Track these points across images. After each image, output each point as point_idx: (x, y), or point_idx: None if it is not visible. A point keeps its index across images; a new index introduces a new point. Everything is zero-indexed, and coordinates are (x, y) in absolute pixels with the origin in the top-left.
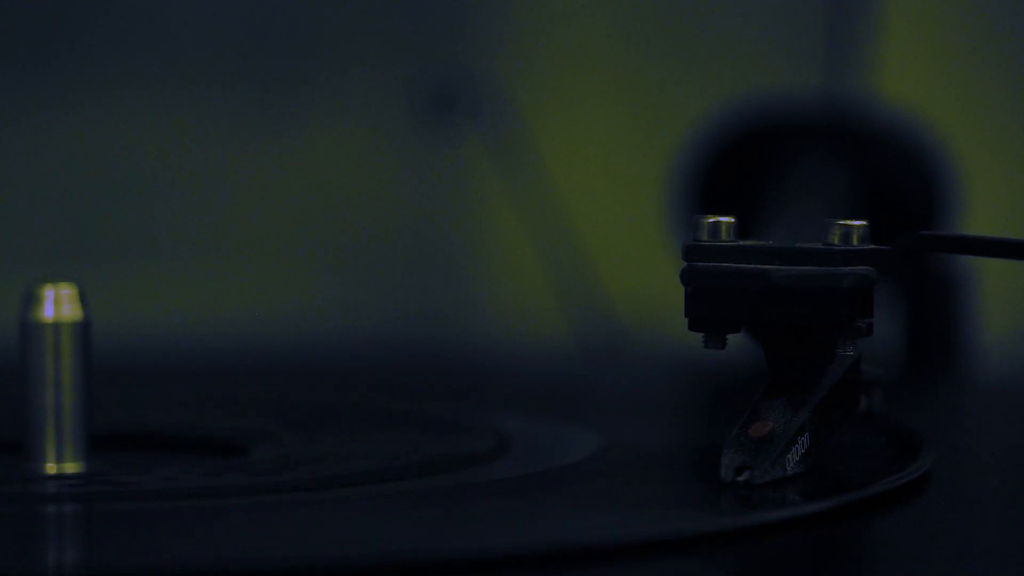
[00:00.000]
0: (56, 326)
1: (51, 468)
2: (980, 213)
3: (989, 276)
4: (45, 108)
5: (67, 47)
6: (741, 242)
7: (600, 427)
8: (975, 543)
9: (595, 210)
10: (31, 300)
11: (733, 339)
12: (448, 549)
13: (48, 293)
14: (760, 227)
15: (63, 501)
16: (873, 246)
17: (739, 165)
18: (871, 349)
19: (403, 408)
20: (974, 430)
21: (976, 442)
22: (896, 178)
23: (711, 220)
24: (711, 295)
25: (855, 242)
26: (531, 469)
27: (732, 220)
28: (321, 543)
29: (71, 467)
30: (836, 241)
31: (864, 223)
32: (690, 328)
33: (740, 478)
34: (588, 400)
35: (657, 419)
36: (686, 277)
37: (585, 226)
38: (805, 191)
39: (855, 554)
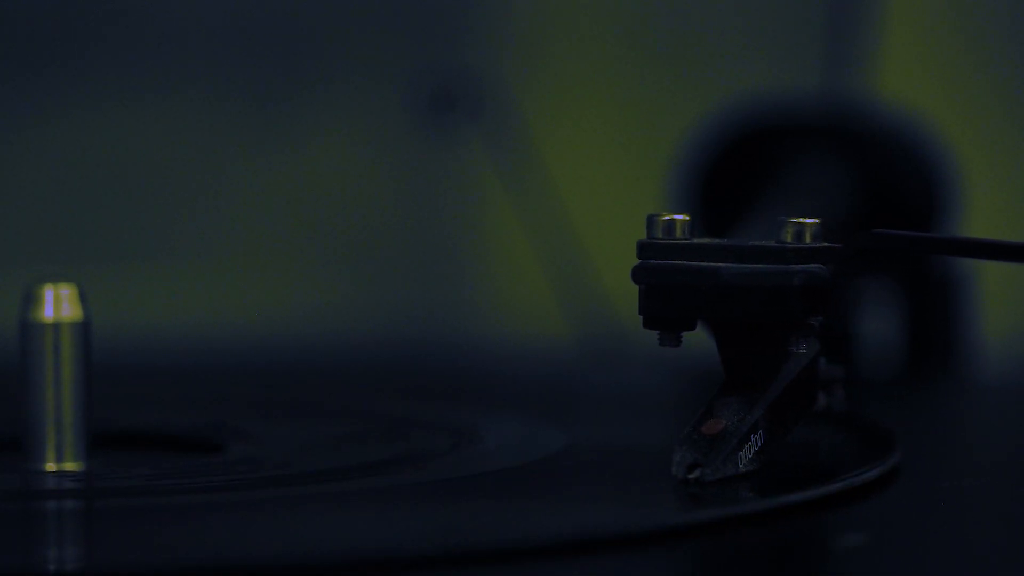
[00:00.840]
0: (56, 326)
1: (51, 468)
2: (980, 213)
3: (989, 276)
4: (46, 109)
5: (68, 48)
6: (696, 240)
7: (600, 426)
8: (974, 543)
9: (595, 210)
10: (31, 300)
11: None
12: (443, 545)
13: (48, 293)
14: (760, 227)
15: (63, 500)
16: (826, 244)
17: (739, 165)
18: (871, 348)
19: (403, 408)
20: (974, 429)
21: (976, 442)
22: (896, 178)
23: (666, 218)
24: (663, 293)
25: (807, 240)
26: (530, 469)
27: (687, 218)
28: (321, 540)
29: (71, 467)
30: (788, 239)
31: (817, 221)
32: (644, 326)
33: (691, 475)
34: (587, 399)
35: (656, 418)
36: (638, 275)
37: (585, 226)
38: (805, 191)
39: (807, 553)
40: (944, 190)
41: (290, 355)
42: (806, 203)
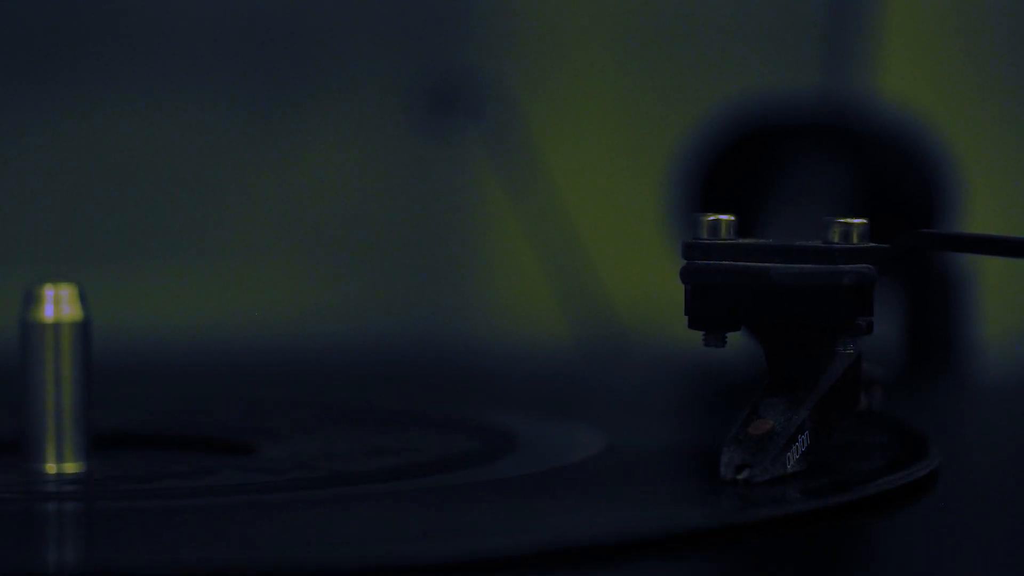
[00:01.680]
0: (56, 326)
1: (51, 468)
2: (980, 213)
3: (989, 275)
4: (46, 109)
5: (69, 50)
6: (741, 240)
7: (600, 426)
8: (976, 542)
9: (595, 210)
10: (31, 300)
11: (733, 337)
12: (449, 549)
13: (48, 293)
14: (759, 227)
15: (63, 500)
16: (872, 244)
17: (739, 165)
18: (871, 348)
19: (403, 408)
20: (974, 429)
21: (976, 441)
22: (896, 178)
23: (711, 218)
24: (711, 293)
25: (855, 240)
26: (531, 468)
27: (732, 218)
28: (321, 543)
29: (71, 467)
30: (836, 239)
31: (864, 221)
32: (690, 326)
33: (740, 476)
34: (588, 400)
35: (658, 418)
36: (686, 275)
37: (585, 226)
38: (805, 191)
39: (854, 553)
40: (944, 190)
41: (290, 356)
42: (806, 203)
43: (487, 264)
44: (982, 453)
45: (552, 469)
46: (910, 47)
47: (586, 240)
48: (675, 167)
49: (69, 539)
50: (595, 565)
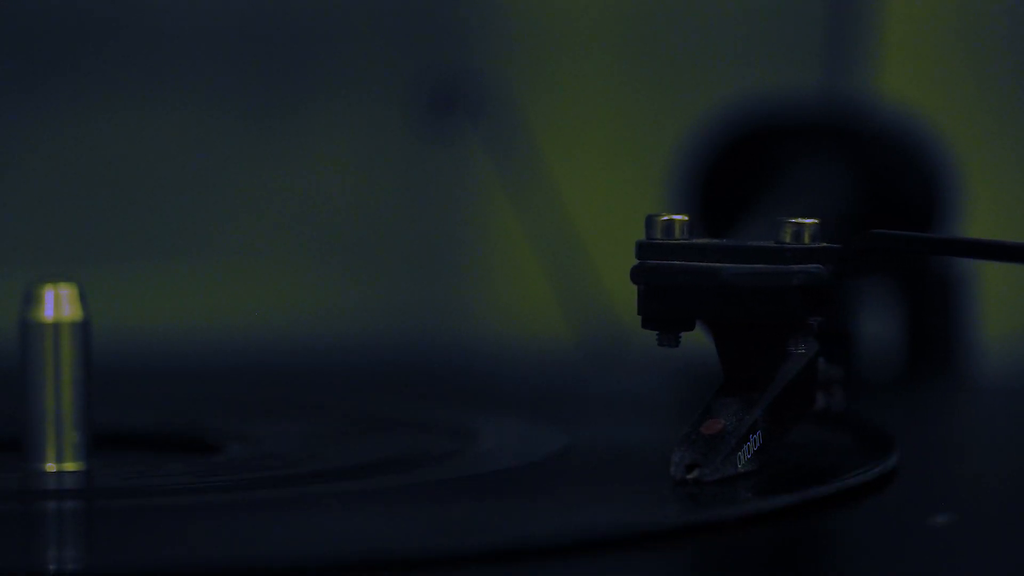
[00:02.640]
0: (56, 326)
1: (51, 468)
2: (980, 213)
3: (989, 275)
4: (47, 110)
5: (69, 51)
6: (695, 240)
7: (599, 427)
8: (974, 542)
9: (595, 211)
10: (31, 300)
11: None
12: (445, 546)
13: (48, 293)
14: (759, 227)
15: (63, 500)
16: (824, 244)
17: (739, 165)
18: (871, 347)
19: (403, 408)
20: (974, 429)
21: (975, 440)
22: (896, 178)
23: (665, 218)
24: (663, 293)
25: (806, 240)
26: (529, 467)
27: (686, 218)
28: (319, 541)
29: (71, 467)
30: (787, 239)
31: (815, 221)
32: (643, 326)
33: (690, 476)
34: (588, 400)
35: (656, 418)
36: (637, 275)
37: (585, 227)
38: (805, 191)
39: (806, 553)
40: (944, 190)
41: (290, 356)
42: (806, 204)
43: (487, 264)
44: (982, 453)
45: (550, 469)
46: (910, 47)
47: (586, 241)
48: (675, 167)
49: (69, 539)
50: (543, 565)
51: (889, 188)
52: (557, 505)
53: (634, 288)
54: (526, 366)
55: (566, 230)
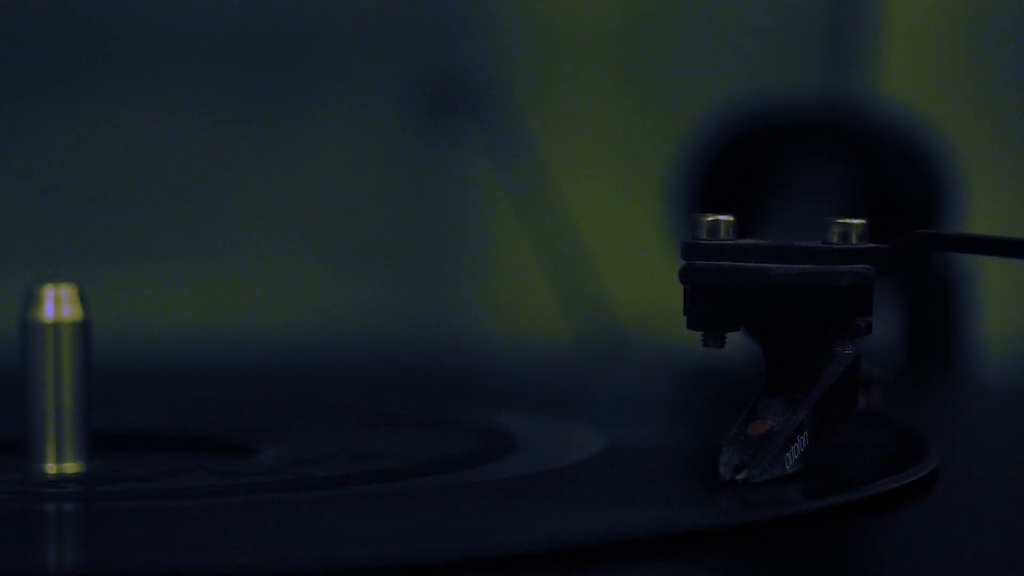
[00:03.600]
0: (56, 326)
1: (51, 468)
2: (980, 213)
3: (989, 275)
4: (46, 108)
5: (68, 48)
6: (740, 240)
7: (600, 427)
8: (976, 542)
9: (595, 211)
10: (31, 300)
11: (732, 338)
12: (448, 549)
13: (48, 293)
14: (759, 227)
15: (63, 501)
16: (871, 244)
17: (739, 165)
18: (871, 347)
19: (403, 408)
20: (974, 429)
21: (976, 441)
22: (896, 178)
23: (710, 219)
24: (710, 293)
25: (854, 240)
26: (531, 469)
27: (731, 219)
28: (321, 543)
29: (71, 467)
30: (835, 240)
31: (863, 221)
32: (689, 327)
33: (739, 476)
34: (588, 400)
35: (657, 419)
36: (685, 275)
37: (585, 227)
38: (805, 191)
39: (853, 553)
40: (944, 190)
41: (290, 357)
42: (806, 203)
43: (487, 265)
44: (982, 453)
45: (551, 469)
46: (910, 47)
47: (586, 241)
48: (675, 168)
49: (69, 539)
50: (593, 565)
51: (889, 188)
52: (552, 507)
53: (632, 289)
54: (526, 366)
55: (567, 230)
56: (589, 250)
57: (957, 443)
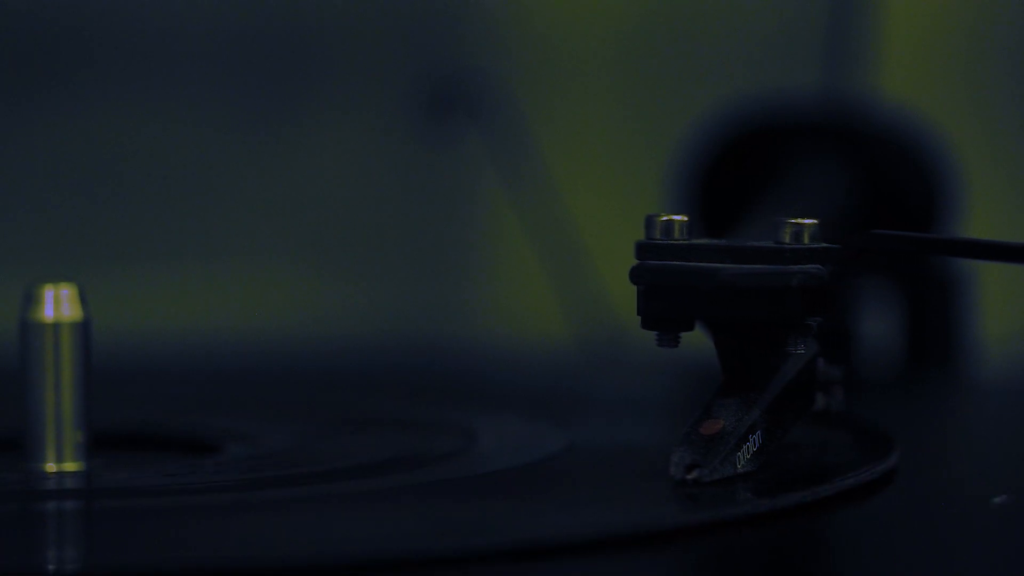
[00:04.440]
0: (56, 326)
1: (51, 468)
2: (980, 213)
3: (989, 275)
4: (46, 108)
5: (68, 48)
6: (693, 240)
7: (599, 427)
8: (975, 542)
9: (595, 210)
10: (31, 300)
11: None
12: (443, 547)
13: (48, 293)
14: (759, 227)
15: (63, 500)
16: (823, 245)
17: (738, 165)
18: (871, 347)
19: (403, 408)
20: (973, 428)
21: (975, 440)
22: (896, 178)
23: (664, 218)
24: (662, 293)
25: (805, 240)
26: (530, 467)
27: (685, 219)
28: (321, 541)
29: (71, 467)
30: (787, 239)
31: (815, 222)
32: (643, 326)
33: (689, 476)
34: (587, 400)
35: (656, 419)
36: (636, 275)
37: (585, 226)
38: (805, 191)
39: (805, 553)
40: (944, 190)
41: (290, 357)
42: (806, 203)
43: (487, 265)
44: (982, 453)
45: (542, 468)
46: (910, 47)
47: (586, 240)
48: (675, 167)
49: (69, 539)
50: (572, 562)
51: (888, 188)
52: (555, 505)
53: (634, 289)
54: (526, 366)
55: (566, 231)
56: (589, 250)
57: (957, 443)
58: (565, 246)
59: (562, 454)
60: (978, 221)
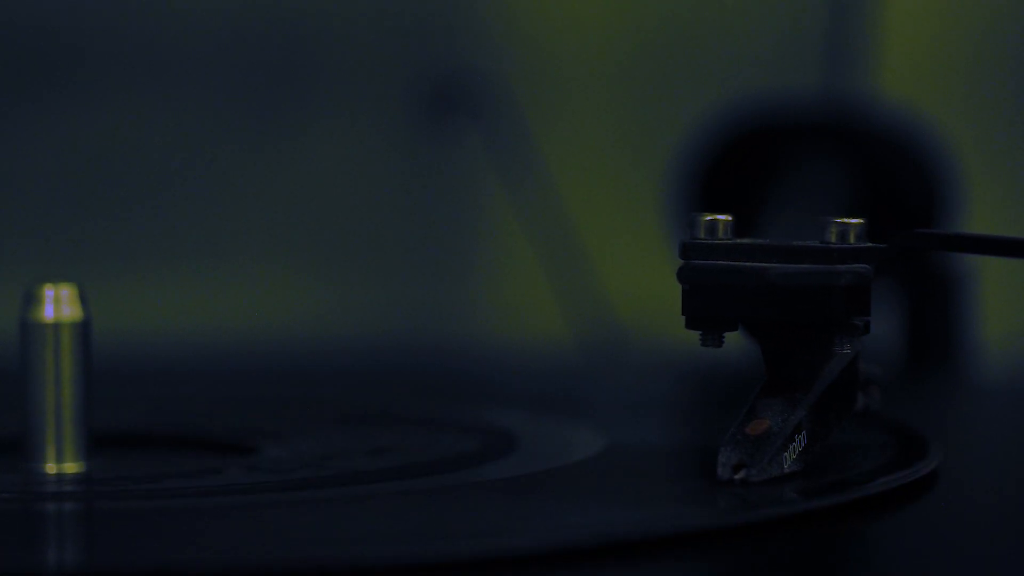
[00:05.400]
0: (56, 326)
1: (51, 468)
2: (980, 212)
3: (989, 274)
4: (46, 109)
5: (68, 48)
6: (738, 240)
7: (600, 426)
8: (976, 542)
9: (595, 210)
10: (31, 300)
11: (731, 338)
12: (449, 549)
13: (48, 293)
14: (759, 227)
15: (63, 500)
16: (870, 244)
17: (738, 165)
18: (871, 347)
19: (403, 408)
20: (973, 428)
21: (975, 440)
22: (896, 178)
23: (708, 218)
24: (708, 293)
25: (852, 240)
26: (530, 468)
27: (729, 218)
28: (321, 542)
29: (71, 467)
30: (833, 239)
31: (861, 221)
32: (687, 326)
33: (737, 476)
34: (588, 400)
35: (656, 418)
36: (683, 275)
37: (585, 226)
38: (805, 191)
39: (852, 553)
40: (944, 189)
41: (290, 357)
42: (806, 203)
43: (487, 264)
44: (982, 453)
45: (551, 469)
46: (910, 47)
47: (586, 240)
48: (675, 167)
49: (69, 539)
50: (592, 565)
51: (889, 187)
52: (553, 506)
53: (632, 287)
54: (526, 366)
55: (565, 229)
56: (589, 249)
57: (957, 443)
58: (565, 246)
59: (562, 453)
60: (978, 221)
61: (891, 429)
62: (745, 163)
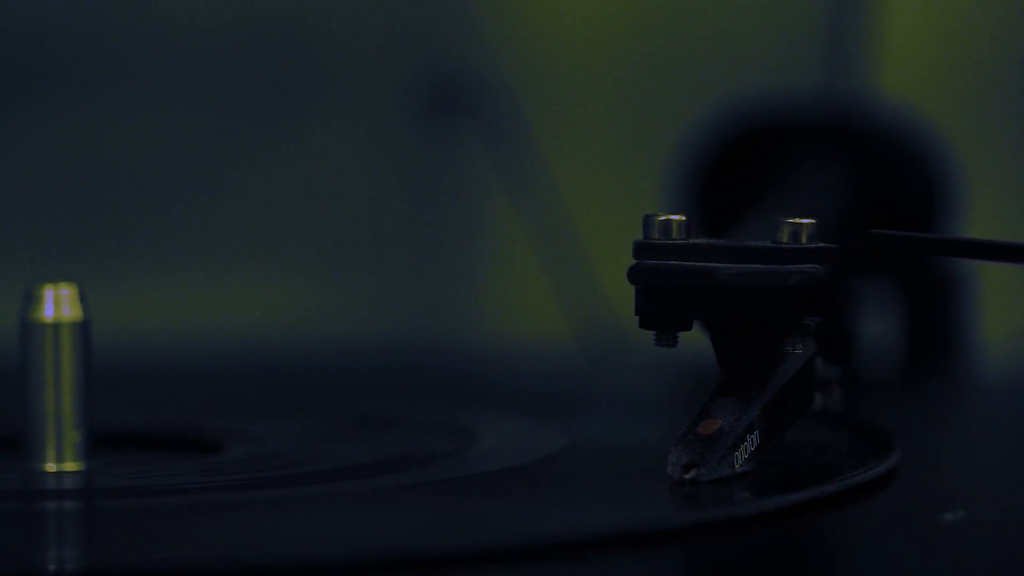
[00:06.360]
0: (56, 326)
1: (51, 468)
2: (980, 212)
3: (989, 275)
4: (45, 108)
5: (68, 48)
6: (692, 240)
7: (599, 426)
8: (975, 541)
9: (595, 210)
10: (31, 300)
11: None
12: (443, 545)
13: (48, 293)
14: (759, 227)
15: (63, 500)
16: (822, 244)
17: (738, 165)
18: (871, 347)
19: (402, 408)
20: (974, 429)
21: (975, 441)
22: (896, 178)
23: (662, 218)
24: (660, 293)
25: (803, 240)
26: (493, 467)
27: (683, 218)
28: (321, 540)
29: (71, 467)
30: (785, 239)
31: (812, 221)
32: (641, 326)
33: (687, 476)
34: (587, 400)
35: (656, 419)
36: (633, 275)
37: (585, 226)
38: (805, 191)
39: (805, 554)
40: (944, 189)
41: (290, 356)
42: (806, 203)
43: (487, 264)
44: (981, 454)
45: (509, 468)
46: (910, 47)
47: (586, 240)
48: (675, 167)
49: (69, 539)
50: (569, 562)
51: (889, 187)
52: (554, 505)
53: (633, 288)
54: (526, 366)
55: (566, 230)
56: (588, 249)
57: (957, 443)
58: (565, 246)
59: (561, 454)
60: (978, 221)
61: (854, 427)
62: (745, 163)
